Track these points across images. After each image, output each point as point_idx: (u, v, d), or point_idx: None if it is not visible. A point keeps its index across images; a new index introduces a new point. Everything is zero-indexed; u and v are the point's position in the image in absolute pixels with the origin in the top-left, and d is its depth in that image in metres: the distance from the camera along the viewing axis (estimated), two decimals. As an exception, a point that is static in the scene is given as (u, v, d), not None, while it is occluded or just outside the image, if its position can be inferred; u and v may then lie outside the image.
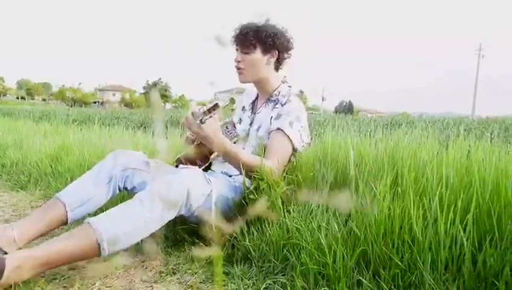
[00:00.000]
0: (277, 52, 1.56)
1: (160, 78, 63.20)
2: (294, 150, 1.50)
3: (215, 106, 1.31)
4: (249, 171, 1.38)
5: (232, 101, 1.42)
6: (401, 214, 1.10)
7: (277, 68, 1.60)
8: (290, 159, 1.51)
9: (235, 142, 1.59)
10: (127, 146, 2.96)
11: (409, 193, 1.15)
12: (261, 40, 1.52)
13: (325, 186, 1.44)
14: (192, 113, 1.32)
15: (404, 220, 1.09)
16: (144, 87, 64.67)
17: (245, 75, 1.55)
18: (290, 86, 1.65)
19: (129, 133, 4.66)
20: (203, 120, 1.28)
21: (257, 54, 1.53)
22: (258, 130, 1.58)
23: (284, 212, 1.30)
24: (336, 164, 1.56)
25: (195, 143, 1.56)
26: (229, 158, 1.41)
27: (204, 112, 1.30)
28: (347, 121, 12.85)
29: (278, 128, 1.48)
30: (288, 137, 1.47)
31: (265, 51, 1.54)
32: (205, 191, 1.31)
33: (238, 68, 1.54)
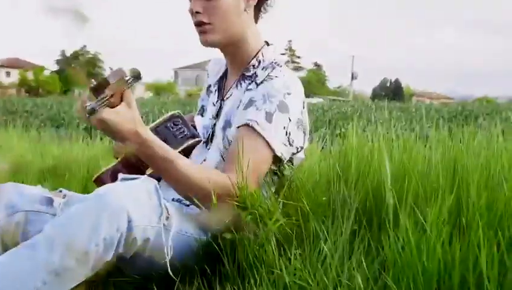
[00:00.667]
0: None
1: (84, 46, 63.12)
2: (278, 158, 1.51)
3: (103, 83, 1.28)
4: (197, 194, 1.39)
5: (135, 73, 1.33)
6: (465, 259, 1.14)
7: (256, 18, 1.63)
8: (275, 174, 1.54)
9: (187, 148, 1.60)
10: (23, 162, 2.97)
11: (476, 226, 1.18)
12: None
13: (347, 218, 1.47)
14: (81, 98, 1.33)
15: (469, 269, 1.12)
16: (58, 62, 64.48)
17: (212, 33, 1.54)
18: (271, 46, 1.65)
19: (31, 137, 4.67)
20: (88, 108, 1.27)
21: None
22: (225, 127, 1.60)
23: (280, 261, 1.33)
24: (364, 181, 1.60)
25: (123, 155, 1.57)
26: (162, 170, 1.41)
27: (92, 91, 1.29)
28: (391, 111, 12.98)
29: (247, 124, 1.48)
30: (263, 138, 1.46)
31: None
32: (159, 217, 1.33)
33: (199, 24, 1.54)
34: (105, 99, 1.30)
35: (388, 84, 70.81)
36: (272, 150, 1.48)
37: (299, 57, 70.08)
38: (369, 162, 1.66)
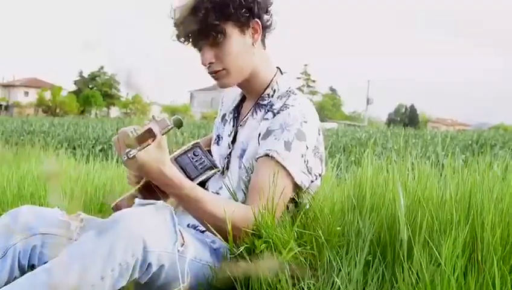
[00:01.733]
0: (259, 22, 1.58)
1: (102, 68, 63.85)
2: (297, 186, 1.54)
3: (149, 133, 1.35)
4: (221, 229, 1.42)
5: (178, 123, 1.42)
6: (480, 295, 1.14)
7: (263, 43, 1.65)
8: (292, 201, 1.55)
9: (206, 179, 1.64)
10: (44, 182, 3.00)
11: (491, 260, 1.18)
12: (229, 15, 1.52)
13: (361, 249, 1.47)
14: (121, 136, 1.37)
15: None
16: (76, 82, 65.19)
17: (227, 77, 1.58)
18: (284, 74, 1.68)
19: (49, 156, 4.72)
20: (129, 154, 1.33)
21: (233, 38, 1.54)
22: (241, 156, 1.62)
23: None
24: (379, 211, 1.60)
25: (143, 181, 1.61)
26: (188, 207, 1.47)
27: (137, 138, 1.35)
28: (407, 139, 12.92)
29: (267, 154, 1.50)
30: (284, 167, 1.49)
31: (241, 27, 1.55)
32: (174, 244, 1.34)
33: (215, 72, 1.57)
34: (145, 147, 1.35)
35: (403, 110, 70.67)
36: (293, 179, 1.50)
37: (314, 81, 70.24)
38: (383, 193, 1.67)
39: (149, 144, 1.36)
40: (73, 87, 64.11)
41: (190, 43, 1.58)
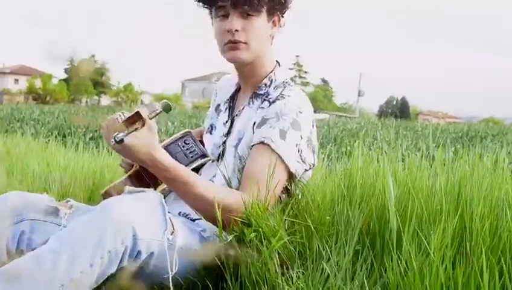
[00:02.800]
0: (280, 18, 1.66)
1: (93, 55, 63.37)
2: (291, 175, 1.55)
3: (137, 116, 1.35)
4: (211, 214, 1.42)
5: (167, 107, 1.42)
6: (467, 284, 1.15)
7: (271, 39, 1.68)
8: (285, 190, 1.56)
9: (197, 167, 1.64)
10: (34, 171, 2.98)
11: (479, 251, 1.19)
12: None
13: (351, 239, 1.48)
14: (109, 122, 1.39)
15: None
16: (66, 70, 64.72)
17: (245, 51, 1.59)
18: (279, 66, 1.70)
19: (39, 144, 4.70)
20: (116, 138, 1.33)
21: (263, 19, 1.60)
22: (237, 145, 1.62)
23: (282, 280, 1.33)
24: (368, 201, 1.60)
25: (134, 169, 1.60)
26: (178, 191, 1.47)
27: (124, 122, 1.35)
28: (397, 130, 12.97)
29: (262, 142, 1.52)
30: (279, 155, 1.50)
31: (271, 12, 1.62)
32: (163, 232, 1.34)
33: (235, 42, 1.58)
34: (132, 131, 1.35)
35: (395, 102, 70.79)
36: (287, 167, 1.51)
37: (306, 72, 70.11)
38: (374, 183, 1.67)
39: (137, 128, 1.35)
40: (64, 75, 63.63)
41: (218, 8, 1.59)
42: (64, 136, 7.90)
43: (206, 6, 1.64)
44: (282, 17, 1.67)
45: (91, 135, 9.20)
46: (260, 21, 1.58)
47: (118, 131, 1.34)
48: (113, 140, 1.33)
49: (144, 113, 1.36)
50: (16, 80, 63.42)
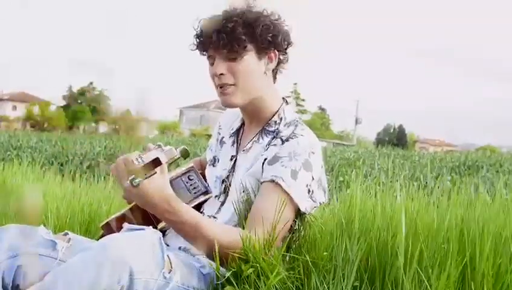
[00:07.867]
0: (277, 53, 1.63)
1: (91, 83, 63.66)
2: (301, 215, 1.56)
3: (156, 162, 1.35)
4: (210, 252, 1.42)
5: (185, 153, 1.44)
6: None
7: (274, 79, 1.69)
8: (290, 228, 1.55)
9: (200, 203, 1.63)
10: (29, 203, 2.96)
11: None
12: (254, 35, 1.57)
13: (349, 275, 1.46)
14: (125, 163, 1.37)
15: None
16: (65, 97, 64.88)
17: (235, 94, 1.59)
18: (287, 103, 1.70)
19: (36, 173, 4.68)
20: (134, 182, 1.32)
21: (250, 58, 1.58)
22: (243, 180, 1.61)
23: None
24: (368, 236, 1.59)
25: (134, 203, 1.59)
26: (184, 232, 1.47)
27: (143, 167, 1.35)
28: (393, 160, 12.96)
29: (273, 181, 1.52)
30: (289, 195, 1.51)
31: (260, 51, 1.60)
32: (160, 271, 1.33)
33: (222, 85, 1.59)
34: (150, 175, 1.35)
35: (392, 130, 70.98)
36: (296, 205, 1.52)
37: (303, 100, 70.44)
38: (373, 216, 1.66)
39: (155, 173, 1.35)
40: (63, 102, 63.80)
41: (206, 53, 1.62)
42: (61, 164, 7.88)
43: (201, 53, 1.65)
44: (285, 53, 1.66)
45: (88, 163, 9.17)
46: (247, 61, 1.58)
47: (135, 174, 1.33)
48: (129, 183, 1.33)
49: (163, 159, 1.37)
50: (14, 107, 63.57)
